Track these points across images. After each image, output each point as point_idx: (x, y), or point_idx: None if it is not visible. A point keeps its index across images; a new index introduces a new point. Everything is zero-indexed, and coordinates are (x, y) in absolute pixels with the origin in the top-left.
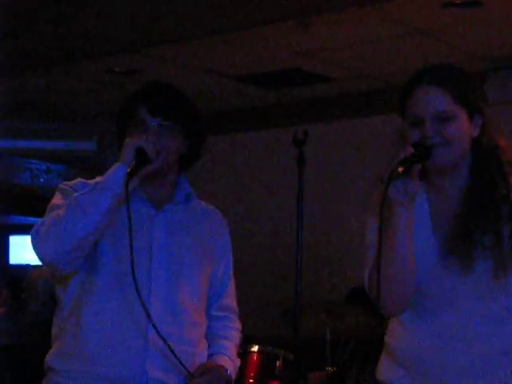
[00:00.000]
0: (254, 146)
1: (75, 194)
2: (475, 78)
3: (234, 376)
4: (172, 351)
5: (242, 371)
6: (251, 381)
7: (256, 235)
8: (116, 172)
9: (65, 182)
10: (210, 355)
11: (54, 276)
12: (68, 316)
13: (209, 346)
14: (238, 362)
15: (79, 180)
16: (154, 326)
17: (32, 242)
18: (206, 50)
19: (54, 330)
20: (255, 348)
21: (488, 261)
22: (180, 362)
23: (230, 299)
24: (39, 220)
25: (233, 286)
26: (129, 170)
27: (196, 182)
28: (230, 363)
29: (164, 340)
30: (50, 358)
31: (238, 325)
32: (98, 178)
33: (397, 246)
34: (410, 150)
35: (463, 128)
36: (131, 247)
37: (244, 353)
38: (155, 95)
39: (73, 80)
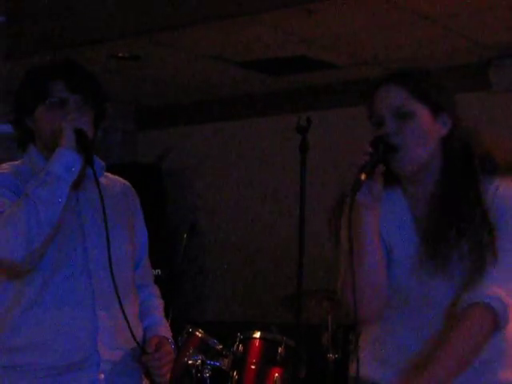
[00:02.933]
0: (257, 132)
1: (27, 190)
2: (442, 80)
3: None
4: (130, 327)
5: (243, 357)
6: (253, 367)
7: (259, 222)
8: (65, 158)
9: None
10: (146, 327)
11: None
12: (6, 311)
13: (142, 318)
14: (168, 325)
15: None
16: (120, 303)
17: None
18: (210, 36)
19: None
20: (257, 334)
21: (464, 264)
22: (135, 339)
23: (148, 265)
24: None
25: (147, 253)
26: (85, 158)
27: (202, 166)
28: (167, 332)
29: (125, 317)
30: None
31: (158, 291)
32: (16, 163)
33: (367, 252)
34: (367, 155)
35: (424, 126)
36: (107, 233)
37: (246, 339)
38: (72, 72)
39: None
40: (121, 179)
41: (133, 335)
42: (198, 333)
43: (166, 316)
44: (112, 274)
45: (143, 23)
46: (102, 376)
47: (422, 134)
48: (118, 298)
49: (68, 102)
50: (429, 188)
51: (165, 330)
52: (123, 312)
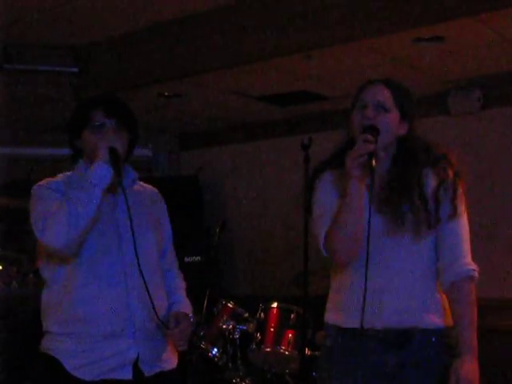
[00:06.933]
0: (272, 150)
1: (70, 193)
2: (413, 98)
3: (192, 316)
4: (155, 310)
5: (264, 322)
6: (272, 330)
7: (275, 219)
8: (99, 170)
9: (38, 184)
10: (171, 304)
11: (51, 259)
12: (60, 290)
13: (168, 296)
14: (189, 302)
15: (49, 180)
16: (147, 289)
17: (41, 237)
18: (232, 77)
19: (45, 304)
20: (275, 304)
21: (408, 225)
22: (158, 318)
23: (173, 254)
24: (38, 219)
25: (172, 245)
26: (116, 169)
27: (231, 178)
28: (188, 308)
29: (152, 303)
30: (48, 324)
31: (181, 275)
32: (68, 173)
33: (358, 211)
34: (370, 142)
35: (393, 122)
36: (132, 229)
37: (266, 308)
38: (108, 102)
39: (133, 102)
40: (151, 186)
41: (157, 315)
42: (229, 304)
43: (205, 292)
44: (140, 269)
45: (183, 69)
46: (137, 341)
47: (390, 128)
48: (146, 285)
49: (105, 126)
50: (384, 166)
51: (185, 306)
52: (150, 297)
